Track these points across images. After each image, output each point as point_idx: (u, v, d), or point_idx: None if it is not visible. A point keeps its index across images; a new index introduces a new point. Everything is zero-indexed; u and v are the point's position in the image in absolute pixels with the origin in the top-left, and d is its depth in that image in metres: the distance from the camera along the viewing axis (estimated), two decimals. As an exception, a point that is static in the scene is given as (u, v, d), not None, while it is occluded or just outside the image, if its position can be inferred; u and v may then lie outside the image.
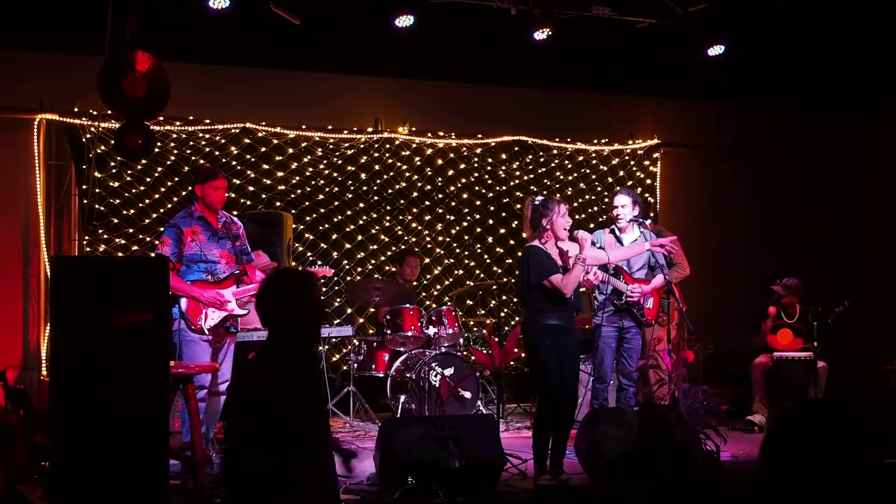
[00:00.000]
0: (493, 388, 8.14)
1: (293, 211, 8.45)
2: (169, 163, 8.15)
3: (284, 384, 3.66)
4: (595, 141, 9.69)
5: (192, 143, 8.25)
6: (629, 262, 6.85)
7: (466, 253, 9.12)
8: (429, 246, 9.12)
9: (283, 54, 8.14)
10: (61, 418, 4.70)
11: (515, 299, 9.05)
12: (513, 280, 8.97)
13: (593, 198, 9.58)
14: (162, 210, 8.07)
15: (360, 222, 8.87)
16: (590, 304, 7.29)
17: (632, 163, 9.81)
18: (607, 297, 6.81)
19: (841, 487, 2.42)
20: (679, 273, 7.74)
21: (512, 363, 8.37)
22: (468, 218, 9.28)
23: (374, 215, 8.91)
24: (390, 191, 8.95)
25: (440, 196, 9.16)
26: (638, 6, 8.05)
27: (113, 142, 7.46)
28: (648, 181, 9.89)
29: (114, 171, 7.98)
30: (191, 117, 8.24)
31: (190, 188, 7.99)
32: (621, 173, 9.73)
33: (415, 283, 8.83)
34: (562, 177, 9.57)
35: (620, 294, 6.75)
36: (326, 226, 8.71)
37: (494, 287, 8.49)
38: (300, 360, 3.80)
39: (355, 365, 7.85)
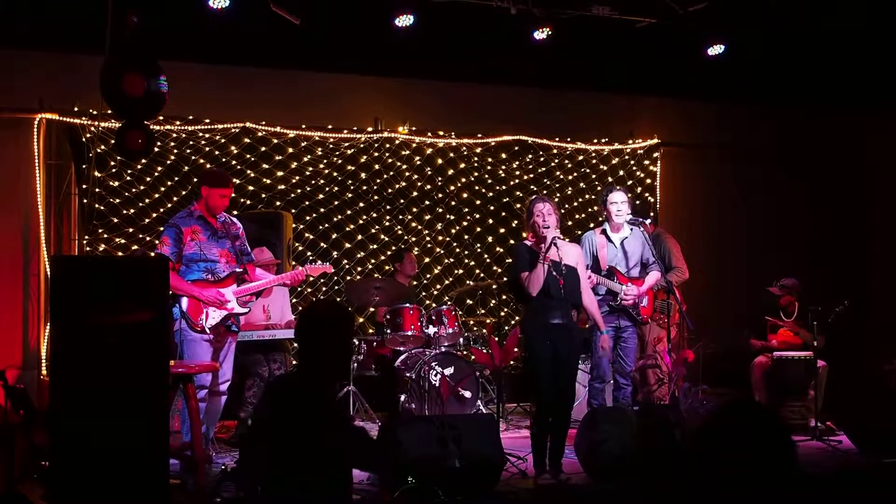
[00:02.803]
0: (493, 387, 8.14)
1: (293, 210, 8.45)
2: (169, 162, 8.15)
3: (312, 411, 3.75)
4: (595, 141, 9.69)
5: (191, 142, 8.25)
6: (626, 261, 6.84)
7: (466, 252, 9.12)
8: (429, 245, 9.12)
9: (283, 54, 8.13)
10: (61, 418, 4.70)
11: (514, 300, 9.04)
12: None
13: (593, 197, 9.57)
14: (162, 210, 8.06)
15: (360, 222, 8.87)
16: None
17: (632, 162, 9.81)
18: (602, 298, 6.80)
19: (770, 483, 2.44)
20: (678, 276, 7.75)
21: (512, 363, 8.37)
22: (468, 218, 9.28)
23: (374, 215, 8.92)
24: (390, 190, 8.96)
25: (440, 196, 9.16)
26: (638, 6, 8.05)
27: (113, 141, 7.47)
28: (648, 181, 9.89)
29: (114, 170, 7.98)
30: (190, 117, 8.24)
31: (191, 187, 8.01)
32: (621, 173, 9.73)
33: (415, 283, 8.83)
34: (562, 176, 9.57)
35: (615, 295, 6.74)
36: (326, 225, 8.71)
37: (494, 287, 8.49)
38: (326, 390, 3.88)
39: (355, 365, 7.85)
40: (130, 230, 8.02)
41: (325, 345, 3.84)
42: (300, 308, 8.39)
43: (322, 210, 8.69)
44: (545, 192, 9.25)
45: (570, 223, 9.35)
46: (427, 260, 9.09)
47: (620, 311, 6.78)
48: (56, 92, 7.84)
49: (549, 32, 7.82)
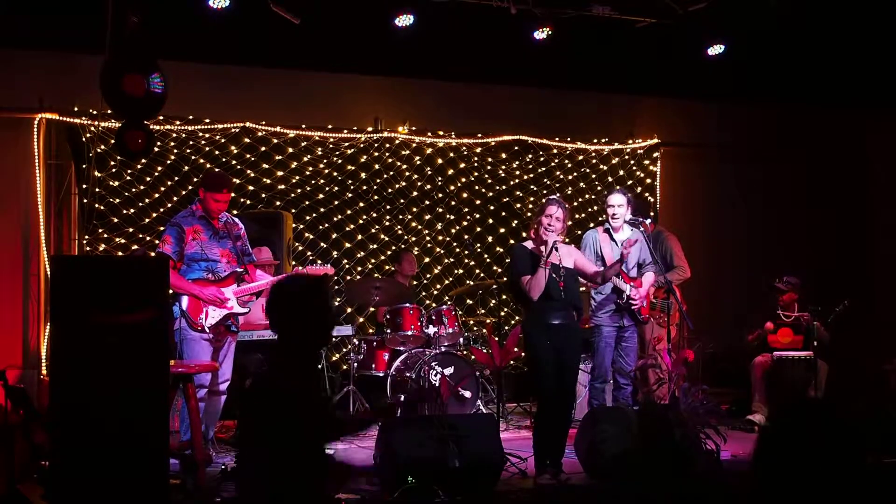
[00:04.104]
0: (493, 387, 8.14)
1: (293, 210, 8.45)
2: (169, 162, 8.15)
3: (298, 388, 3.57)
4: (595, 140, 9.69)
5: (191, 142, 8.25)
6: (626, 262, 6.84)
7: (466, 252, 9.12)
8: (428, 245, 9.12)
9: (283, 54, 8.13)
10: (61, 418, 4.70)
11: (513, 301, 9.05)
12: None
13: (593, 197, 9.58)
14: (162, 209, 8.06)
15: (360, 222, 8.87)
16: (587, 304, 7.29)
17: (632, 162, 9.81)
18: (607, 297, 6.81)
19: (839, 485, 2.42)
20: (679, 275, 7.76)
21: (512, 362, 8.37)
22: (468, 217, 9.28)
23: (374, 214, 8.91)
24: (390, 190, 8.95)
25: (440, 195, 9.16)
26: (638, 6, 8.04)
27: (113, 141, 7.46)
28: (648, 181, 9.90)
29: (114, 170, 7.98)
30: (191, 117, 8.23)
31: (191, 187, 8.02)
32: (621, 173, 9.73)
33: (415, 283, 8.82)
34: (562, 176, 9.57)
35: (621, 292, 6.75)
36: (326, 225, 8.71)
37: (494, 286, 8.48)
38: (309, 363, 3.72)
39: (355, 364, 7.85)
40: (130, 230, 8.01)
41: (300, 319, 3.63)
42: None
43: (322, 210, 8.69)
44: (545, 191, 9.25)
45: (569, 223, 9.33)
46: (427, 260, 9.09)
47: (624, 310, 6.79)
48: (56, 92, 7.84)
49: (549, 32, 7.82)
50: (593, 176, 9.69)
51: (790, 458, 2.43)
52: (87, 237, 7.86)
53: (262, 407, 3.58)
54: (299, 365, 3.65)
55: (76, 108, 7.85)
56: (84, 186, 7.83)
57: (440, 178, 9.15)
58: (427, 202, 9.11)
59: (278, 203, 8.47)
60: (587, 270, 6.27)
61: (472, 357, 8.04)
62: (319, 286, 3.76)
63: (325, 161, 8.68)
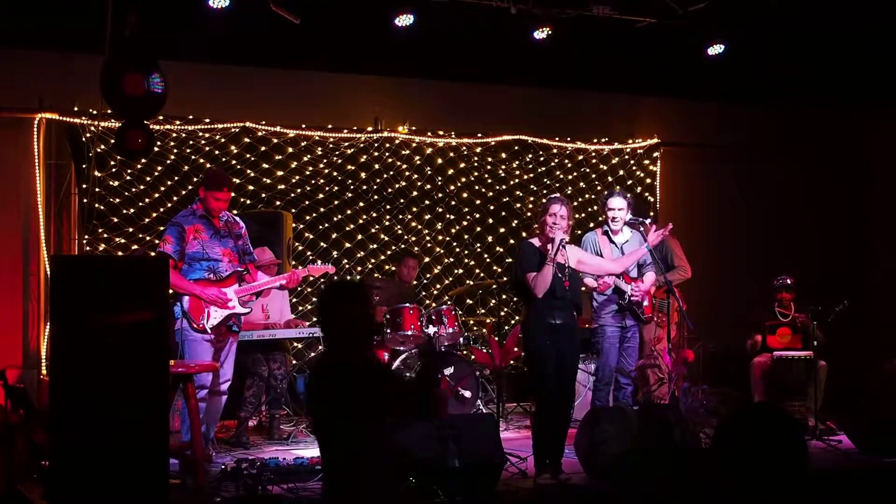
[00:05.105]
0: (493, 387, 8.14)
1: (293, 210, 8.45)
2: (169, 162, 8.15)
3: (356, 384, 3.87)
4: (595, 140, 9.69)
5: (191, 142, 8.24)
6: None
7: (466, 252, 9.12)
8: (429, 245, 9.12)
9: (283, 54, 8.13)
10: (61, 418, 4.70)
11: (515, 298, 9.04)
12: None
13: (593, 197, 9.57)
14: (162, 209, 8.06)
15: (360, 221, 8.87)
16: (589, 305, 7.29)
17: (632, 162, 9.81)
18: (609, 298, 6.81)
19: (784, 485, 2.47)
20: (680, 275, 7.76)
21: (512, 362, 8.37)
22: (468, 217, 9.28)
23: (374, 214, 8.91)
24: (390, 190, 8.95)
25: (440, 195, 9.16)
26: (638, 6, 8.04)
27: (113, 141, 7.46)
28: (648, 181, 9.90)
29: (114, 170, 7.98)
30: (190, 116, 8.23)
31: (191, 187, 8.02)
32: (621, 173, 9.73)
33: (414, 283, 8.82)
34: (562, 176, 9.57)
35: (623, 293, 6.75)
36: (326, 225, 8.71)
37: (494, 286, 8.49)
38: (360, 360, 4.01)
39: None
40: (130, 230, 8.01)
41: (342, 321, 3.98)
42: (300, 308, 8.40)
43: (322, 210, 8.69)
44: (545, 191, 9.26)
45: (571, 222, 9.33)
46: (427, 260, 9.09)
47: (627, 310, 6.79)
48: (56, 92, 7.83)
49: (549, 32, 7.82)
50: (593, 176, 9.69)
51: (738, 460, 2.49)
52: (87, 237, 7.86)
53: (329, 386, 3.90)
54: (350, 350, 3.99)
55: (76, 108, 7.85)
56: (84, 186, 7.83)
57: (440, 178, 9.15)
58: (427, 202, 9.11)
59: (278, 203, 8.47)
60: (601, 265, 6.31)
61: (472, 357, 8.04)
62: (359, 294, 4.13)
63: (325, 161, 8.68)
